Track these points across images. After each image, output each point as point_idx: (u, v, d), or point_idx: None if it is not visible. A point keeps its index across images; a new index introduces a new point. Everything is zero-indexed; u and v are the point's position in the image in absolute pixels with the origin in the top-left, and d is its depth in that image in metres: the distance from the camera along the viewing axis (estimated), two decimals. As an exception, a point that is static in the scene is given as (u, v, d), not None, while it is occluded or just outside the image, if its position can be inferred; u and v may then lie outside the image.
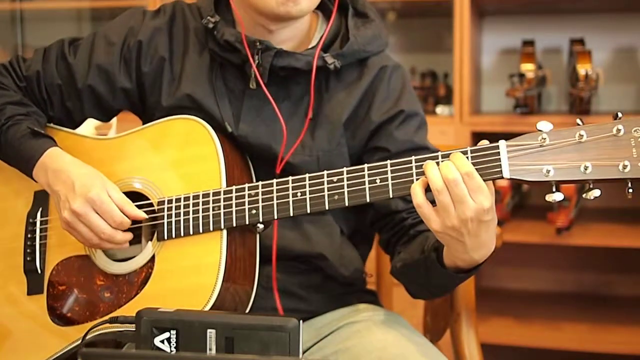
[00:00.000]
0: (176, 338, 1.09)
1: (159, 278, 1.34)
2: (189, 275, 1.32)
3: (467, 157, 1.16)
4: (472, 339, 1.61)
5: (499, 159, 1.15)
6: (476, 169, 1.15)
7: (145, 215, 1.36)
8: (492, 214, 1.17)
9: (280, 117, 1.41)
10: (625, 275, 3.11)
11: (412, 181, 1.20)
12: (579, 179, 1.13)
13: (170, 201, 1.35)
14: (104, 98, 1.49)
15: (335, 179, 1.26)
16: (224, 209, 1.31)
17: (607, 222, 2.89)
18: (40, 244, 1.45)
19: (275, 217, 1.29)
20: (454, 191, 1.14)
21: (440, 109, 3.00)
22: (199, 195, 1.34)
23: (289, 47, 1.44)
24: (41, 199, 1.46)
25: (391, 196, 1.22)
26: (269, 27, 1.42)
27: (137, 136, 1.44)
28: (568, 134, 1.13)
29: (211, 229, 1.32)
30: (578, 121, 1.15)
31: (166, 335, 1.09)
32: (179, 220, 1.34)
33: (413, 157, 1.21)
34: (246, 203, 1.31)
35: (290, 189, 1.29)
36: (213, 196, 1.33)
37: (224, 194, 1.32)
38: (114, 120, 1.67)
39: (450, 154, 1.17)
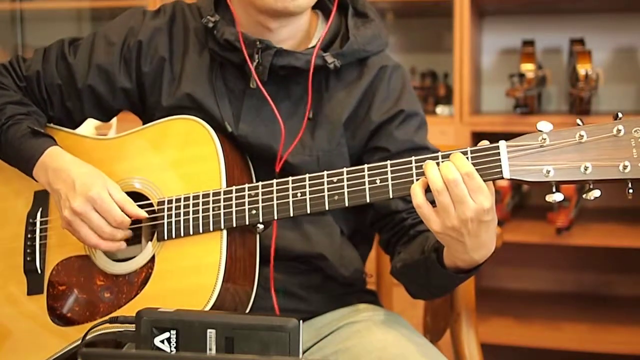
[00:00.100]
0: (176, 338, 1.09)
1: (159, 278, 1.34)
2: (189, 275, 1.32)
3: (467, 158, 1.16)
4: (472, 339, 1.61)
5: (499, 159, 1.15)
6: (476, 169, 1.14)
7: (145, 215, 1.36)
8: (492, 215, 1.17)
9: (278, 117, 1.41)
10: (625, 275, 3.11)
11: (412, 181, 1.20)
12: (579, 179, 1.13)
13: (170, 201, 1.35)
14: (104, 98, 1.49)
15: (335, 179, 1.26)
16: (224, 209, 1.31)
17: (607, 222, 2.89)
18: (40, 244, 1.45)
19: (276, 218, 1.29)
20: (454, 191, 1.14)
21: (440, 109, 3.00)
22: (199, 196, 1.34)
23: (288, 47, 1.44)
24: (41, 199, 1.46)
25: (391, 196, 1.22)
26: (268, 25, 1.42)
27: (137, 136, 1.44)
28: (568, 135, 1.13)
29: (211, 229, 1.32)
30: (578, 121, 1.15)
31: (166, 335, 1.09)
32: (179, 220, 1.34)
33: (413, 158, 1.21)
34: (246, 203, 1.30)
35: (290, 189, 1.29)
36: (213, 196, 1.33)
37: (224, 194, 1.32)
38: (114, 120, 1.67)
39: (450, 154, 1.17)
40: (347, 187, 1.25)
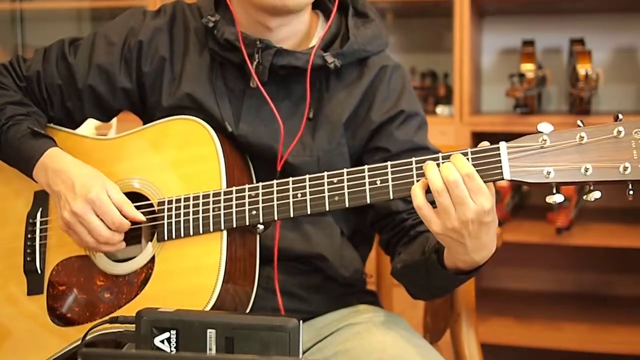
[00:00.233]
0: (176, 338, 1.09)
1: (159, 279, 1.34)
2: (189, 276, 1.32)
3: (468, 159, 1.16)
4: (472, 339, 1.61)
5: (500, 160, 1.15)
6: (477, 170, 1.14)
7: (143, 218, 1.36)
8: (492, 216, 1.17)
9: (277, 117, 1.41)
10: (625, 275, 3.11)
11: (412, 182, 1.20)
12: (579, 180, 1.12)
13: (170, 202, 1.35)
14: (105, 98, 1.49)
15: (335, 180, 1.26)
16: (224, 209, 1.31)
17: (607, 222, 2.89)
18: (40, 244, 1.45)
19: (276, 218, 1.29)
20: (455, 193, 1.14)
21: (440, 109, 3.00)
22: (199, 196, 1.34)
23: (289, 46, 1.44)
24: (41, 199, 1.46)
25: (391, 197, 1.22)
26: (268, 24, 1.42)
27: (137, 136, 1.44)
28: (569, 136, 1.13)
29: (211, 229, 1.32)
30: (579, 123, 1.15)
31: (166, 335, 1.09)
32: (179, 221, 1.34)
33: (413, 159, 1.21)
34: (246, 204, 1.30)
35: (291, 189, 1.29)
36: (213, 197, 1.33)
37: (224, 195, 1.32)
38: (114, 120, 1.67)
39: (450, 155, 1.17)
40: (348, 188, 1.25)
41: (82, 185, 1.33)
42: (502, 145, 1.16)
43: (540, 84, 2.91)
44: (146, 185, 1.39)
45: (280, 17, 1.41)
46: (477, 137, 2.77)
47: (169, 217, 1.35)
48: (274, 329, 1.06)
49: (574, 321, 2.83)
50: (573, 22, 3.09)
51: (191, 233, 1.33)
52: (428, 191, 1.17)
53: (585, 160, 1.12)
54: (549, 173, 1.13)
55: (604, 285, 3.14)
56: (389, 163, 1.23)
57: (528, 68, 2.83)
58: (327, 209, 1.26)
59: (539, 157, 1.14)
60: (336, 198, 1.25)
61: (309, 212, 1.27)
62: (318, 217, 1.45)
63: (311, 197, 1.27)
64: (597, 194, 1.13)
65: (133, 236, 1.38)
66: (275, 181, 1.30)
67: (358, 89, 1.45)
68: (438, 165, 1.16)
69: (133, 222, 1.35)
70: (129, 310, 1.32)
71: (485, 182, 1.15)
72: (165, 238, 1.35)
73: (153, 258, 1.35)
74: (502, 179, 1.15)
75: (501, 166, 1.15)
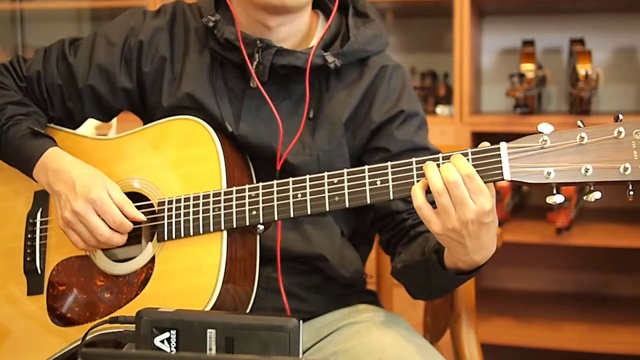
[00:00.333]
0: (176, 338, 1.09)
1: (159, 279, 1.34)
2: (189, 276, 1.32)
3: (468, 159, 1.16)
4: (472, 339, 1.61)
5: (500, 160, 1.15)
6: (477, 170, 1.14)
7: (144, 218, 1.36)
8: (493, 216, 1.17)
9: (277, 116, 1.41)
10: (625, 275, 3.11)
11: (412, 183, 1.20)
12: (579, 181, 1.12)
13: (170, 202, 1.35)
14: (105, 98, 1.49)
15: (335, 180, 1.26)
16: (224, 210, 1.31)
17: (607, 222, 2.89)
18: (40, 244, 1.44)
19: (276, 219, 1.29)
20: (455, 193, 1.14)
21: (440, 109, 3.00)
22: (199, 196, 1.33)
23: (289, 46, 1.44)
24: (41, 199, 1.46)
25: (392, 198, 1.22)
26: (268, 23, 1.42)
27: (138, 136, 1.44)
28: (569, 136, 1.13)
29: (211, 230, 1.32)
30: (579, 123, 1.15)
31: (166, 335, 1.09)
32: (179, 221, 1.34)
33: (414, 159, 1.21)
34: (246, 204, 1.30)
35: (291, 190, 1.29)
36: (213, 197, 1.32)
37: (224, 195, 1.32)
38: (114, 120, 1.67)
39: (450, 155, 1.17)
40: (348, 188, 1.25)
41: (83, 185, 1.33)
42: (503, 145, 1.16)
43: (540, 84, 2.91)
44: (146, 186, 1.39)
45: (280, 16, 1.41)
46: (477, 137, 2.77)
47: (169, 217, 1.35)
48: (274, 329, 1.06)
49: (574, 321, 2.83)
50: (573, 22, 3.09)
51: (191, 233, 1.33)
52: (428, 191, 1.17)
53: (586, 160, 1.12)
54: (549, 173, 1.13)
55: (604, 285, 3.14)
56: (389, 163, 1.23)
57: (528, 68, 2.83)
58: (328, 209, 1.26)
59: (539, 158, 1.14)
60: (336, 198, 1.25)
61: (309, 213, 1.27)
62: (318, 217, 1.45)
63: (311, 197, 1.27)
64: (597, 195, 1.13)
65: (133, 236, 1.38)
66: (275, 181, 1.30)
67: (358, 89, 1.45)
68: (438, 165, 1.16)
69: (134, 222, 1.35)
70: (129, 310, 1.32)
71: (485, 182, 1.15)
72: (166, 238, 1.35)
73: (153, 258, 1.35)
74: (503, 179, 1.15)
75: (501, 167, 1.15)
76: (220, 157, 1.35)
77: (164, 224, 1.35)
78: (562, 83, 3.09)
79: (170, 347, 1.09)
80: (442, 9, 2.93)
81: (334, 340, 1.41)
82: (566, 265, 3.16)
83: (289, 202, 1.28)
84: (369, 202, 1.24)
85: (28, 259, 1.44)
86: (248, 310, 1.36)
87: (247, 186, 1.31)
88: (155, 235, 1.36)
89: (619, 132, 1.11)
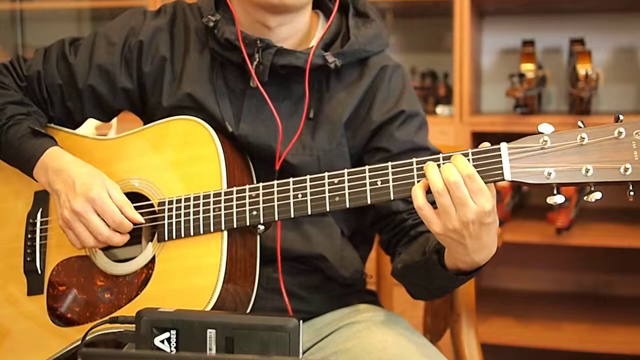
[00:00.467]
0: (176, 338, 1.09)
1: (159, 279, 1.34)
2: (190, 276, 1.32)
3: (469, 159, 1.16)
4: (472, 339, 1.61)
5: (500, 161, 1.15)
6: (477, 171, 1.14)
7: (142, 220, 1.35)
8: (493, 216, 1.17)
9: (276, 116, 1.41)
10: (625, 275, 3.12)
11: (413, 183, 1.20)
12: (580, 181, 1.12)
13: (170, 202, 1.35)
14: (105, 98, 1.49)
15: (336, 180, 1.26)
16: (225, 210, 1.31)
17: (607, 222, 2.89)
18: (40, 245, 1.44)
19: (276, 219, 1.29)
20: (455, 193, 1.13)
21: (440, 109, 3.00)
22: (199, 197, 1.33)
23: (289, 46, 1.44)
24: (41, 199, 1.46)
25: (392, 198, 1.22)
26: (267, 22, 1.42)
27: (138, 137, 1.44)
28: (569, 137, 1.13)
29: (212, 230, 1.32)
30: (579, 123, 1.15)
31: (166, 335, 1.09)
32: (180, 221, 1.34)
33: (414, 160, 1.21)
34: (247, 204, 1.30)
35: (291, 190, 1.28)
36: (214, 197, 1.32)
37: (224, 195, 1.32)
38: (114, 120, 1.67)
39: (451, 155, 1.17)
40: (348, 189, 1.25)
41: (83, 184, 1.33)
42: (503, 146, 1.16)
43: (540, 84, 2.91)
44: (146, 186, 1.39)
45: (280, 15, 1.41)
46: (477, 137, 2.77)
47: (170, 217, 1.35)
48: (274, 329, 1.06)
49: (574, 321, 2.83)
50: (573, 22, 3.09)
51: (191, 233, 1.33)
52: (429, 192, 1.17)
53: (586, 161, 1.12)
54: (549, 174, 1.13)
55: (604, 285, 3.14)
56: (389, 164, 1.22)
57: (528, 68, 2.83)
58: (328, 209, 1.26)
59: (539, 158, 1.14)
60: (337, 198, 1.25)
61: (309, 213, 1.27)
62: (318, 217, 1.45)
63: (312, 197, 1.27)
64: (597, 195, 1.13)
65: (133, 236, 1.38)
66: (275, 182, 1.30)
67: (358, 89, 1.45)
68: (439, 165, 1.16)
69: (132, 223, 1.35)
70: (129, 310, 1.32)
71: (486, 182, 1.15)
72: (166, 238, 1.35)
73: (153, 258, 1.35)
74: (503, 179, 1.15)
75: (502, 167, 1.15)
76: (221, 157, 1.35)
77: (164, 224, 1.35)
78: (562, 83, 3.10)
79: (170, 347, 1.09)
80: (442, 9, 2.93)
81: (334, 340, 1.41)
82: (566, 266, 3.16)
83: (289, 202, 1.28)
84: (369, 202, 1.23)
85: (28, 259, 1.44)
86: (248, 311, 1.36)
87: (247, 186, 1.31)
88: (156, 236, 1.36)
89: (620, 133, 1.11)
